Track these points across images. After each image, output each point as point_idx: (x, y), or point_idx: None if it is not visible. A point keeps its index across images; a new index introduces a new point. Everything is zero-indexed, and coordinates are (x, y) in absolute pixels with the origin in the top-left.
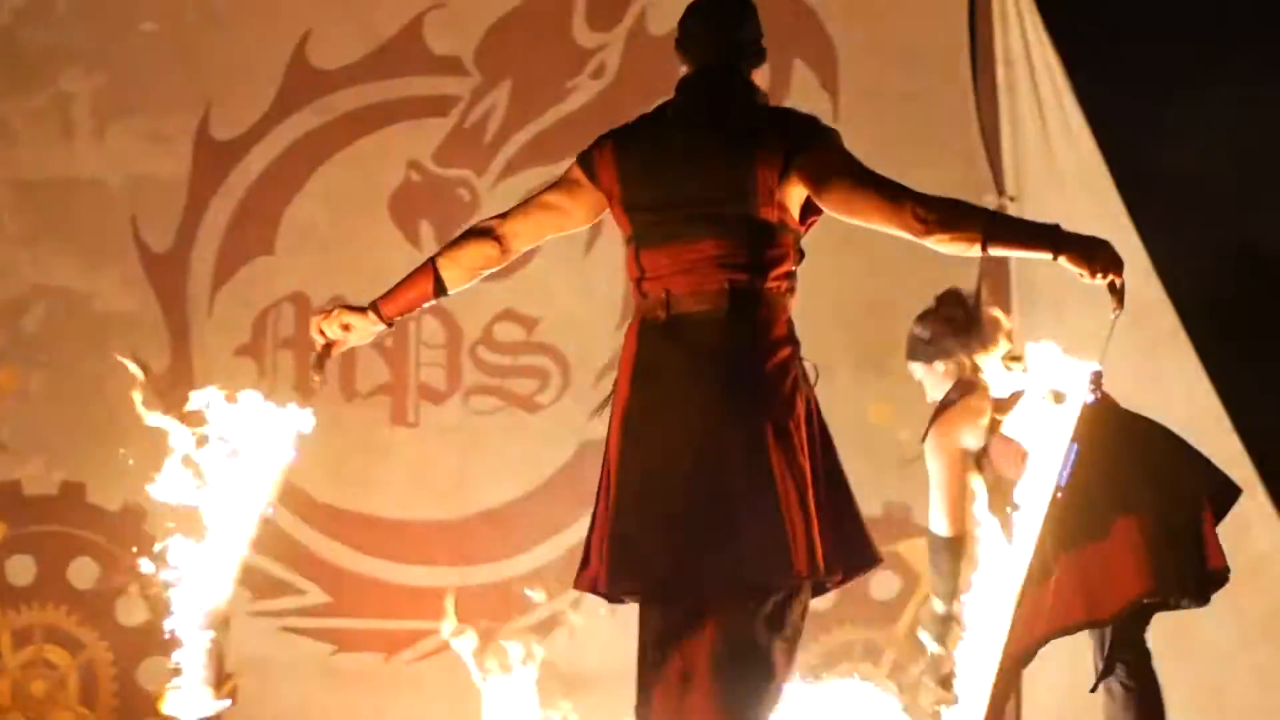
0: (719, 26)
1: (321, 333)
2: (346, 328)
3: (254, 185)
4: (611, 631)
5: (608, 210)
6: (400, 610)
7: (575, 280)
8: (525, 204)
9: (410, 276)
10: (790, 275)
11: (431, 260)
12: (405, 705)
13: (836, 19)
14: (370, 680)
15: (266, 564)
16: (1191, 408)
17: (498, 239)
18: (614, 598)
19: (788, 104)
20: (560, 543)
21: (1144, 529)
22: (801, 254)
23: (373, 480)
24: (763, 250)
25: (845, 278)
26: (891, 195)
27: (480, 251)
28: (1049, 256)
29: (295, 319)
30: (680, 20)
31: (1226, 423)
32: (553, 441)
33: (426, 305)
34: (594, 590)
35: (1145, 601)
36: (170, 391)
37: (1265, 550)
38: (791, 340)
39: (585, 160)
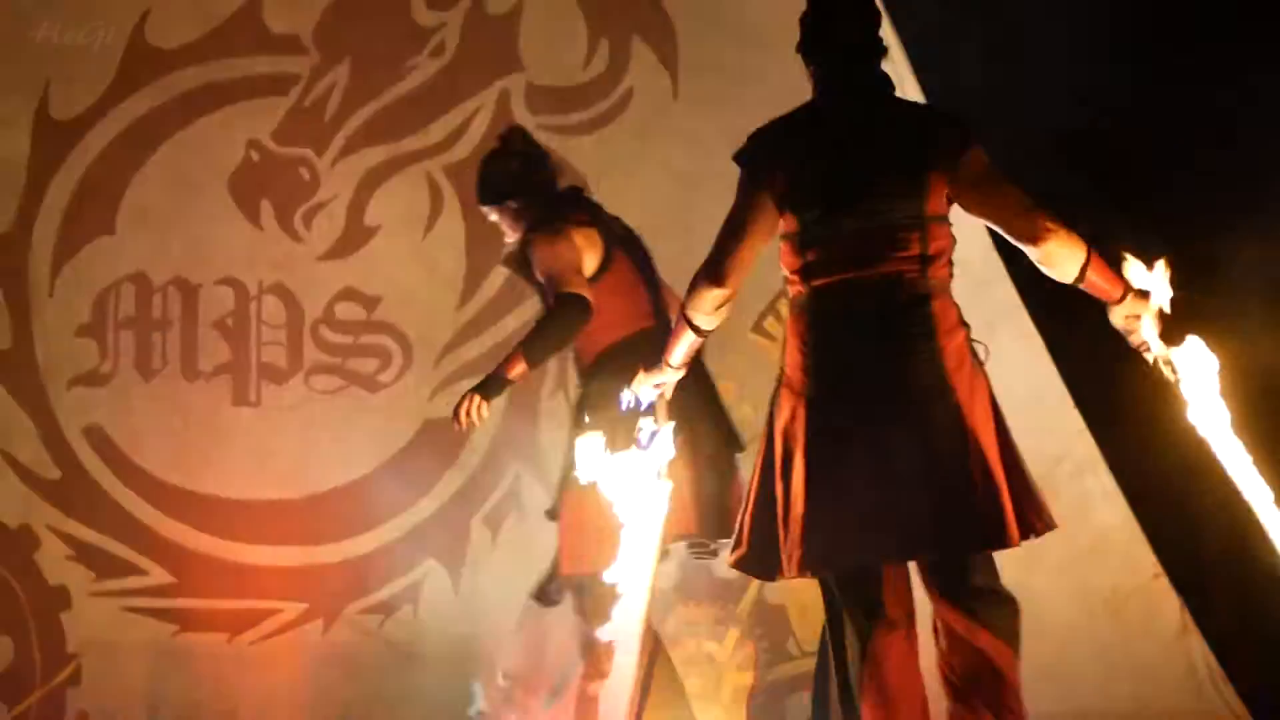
0: (858, 26)
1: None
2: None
3: (93, 165)
4: (452, 610)
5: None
6: (244, 590)
7: (416, 259)
8: (730, 242)
9: (675, 334)
10: (952, 263)
11: (683, 316)
12: (249, 685)
13: None
14: (214, 660)
15: (109, 543)
16: (1031, 383)
17: (730, 289)
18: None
19: (626, 81)
20: (402, 523)
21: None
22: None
23: (214, 460)
24: (932, 241)
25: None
26: (1028, 201)
27: (719, 298)
28: (1117, 297)
29: (135, 299)
30: (807, 22)
31: (1068, 399)
32: (395, 420)
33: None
34: (784, 572)
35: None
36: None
37: (1107, 527)
38: (964, 324)
39: (753, 172)
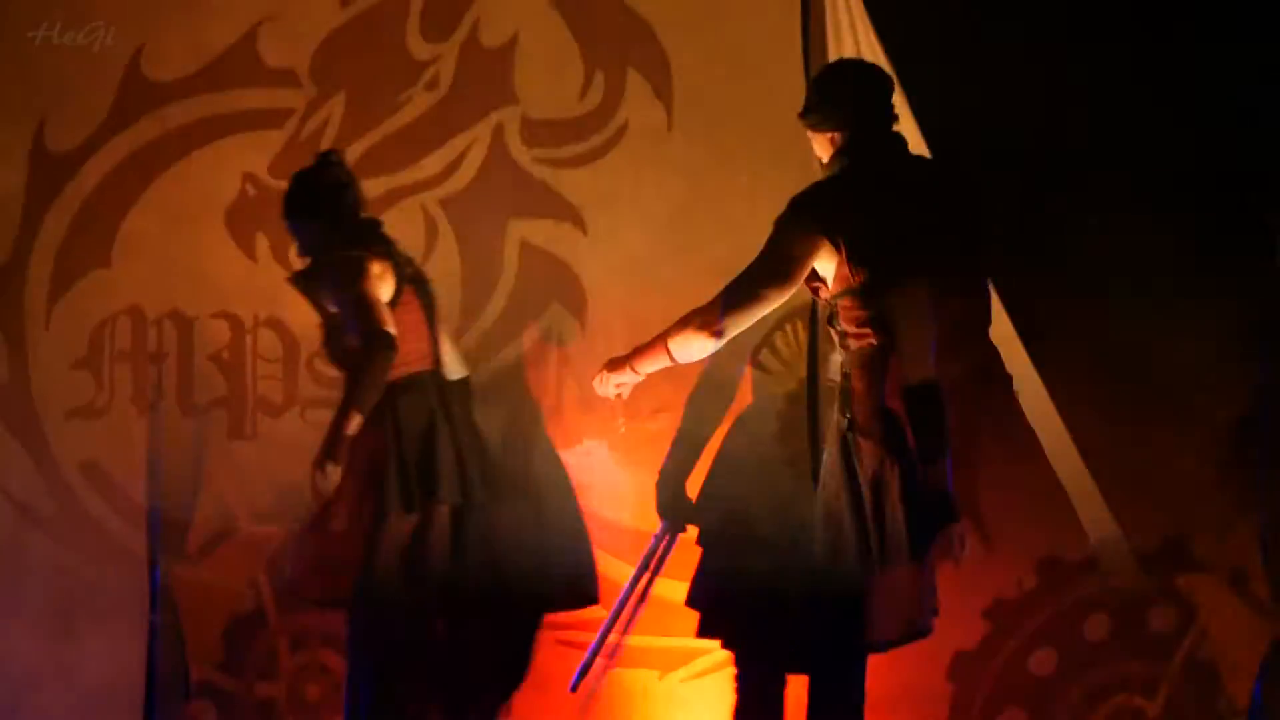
0: (873, 93)
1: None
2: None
3: (89, 198)
4: None
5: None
6: None
7: None
8: (752, 304)
9: (650, 354)
10: None
11: (665, 347)
12: None
13: (669, 28)
14: None
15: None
16: None
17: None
18: None
19: (622, 114)
20: None
21: None
22: None
23: (210, 492)
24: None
25: None
26: None
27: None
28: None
29: (132, 332)
30: (826, 87)
31: None
32: None
33: None
34: None
35: None
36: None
37: None
38: None
39: (815, 230)
